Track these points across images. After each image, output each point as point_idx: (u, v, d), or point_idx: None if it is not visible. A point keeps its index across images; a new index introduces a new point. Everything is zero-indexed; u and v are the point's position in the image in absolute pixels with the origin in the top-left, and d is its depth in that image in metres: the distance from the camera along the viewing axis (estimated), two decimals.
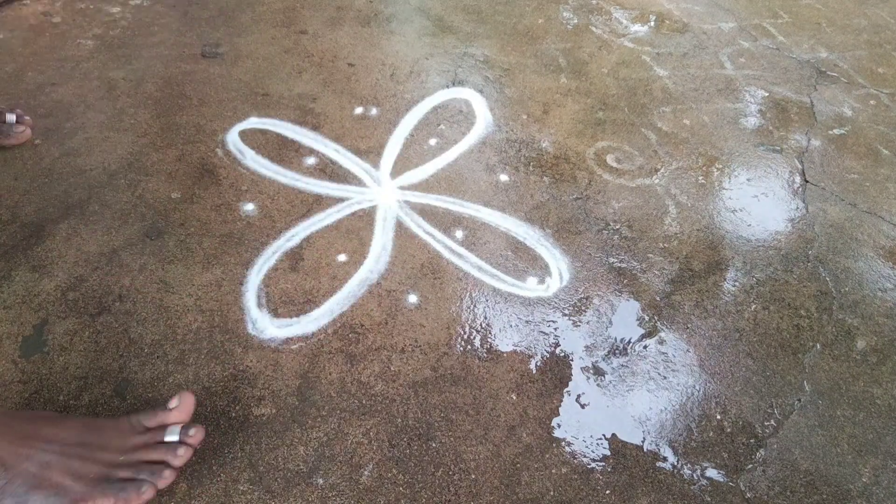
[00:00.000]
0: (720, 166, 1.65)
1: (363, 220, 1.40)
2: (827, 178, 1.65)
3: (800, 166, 1.68)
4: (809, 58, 2.13)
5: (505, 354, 1.18)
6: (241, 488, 0.97)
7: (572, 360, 1.19)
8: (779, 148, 1.73)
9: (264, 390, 1.09)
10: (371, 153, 1.57)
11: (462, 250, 1.35)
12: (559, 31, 2.13)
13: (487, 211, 1.45)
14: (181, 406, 0.93)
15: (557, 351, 1.20)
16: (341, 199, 1.44)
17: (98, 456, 0.85)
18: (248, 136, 1.58)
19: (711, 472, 1.06)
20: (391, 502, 0.98)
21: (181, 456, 0.89)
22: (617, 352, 1.21)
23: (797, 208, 1.56)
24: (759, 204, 1.56)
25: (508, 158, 1.59)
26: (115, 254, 1.25)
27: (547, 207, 1.47)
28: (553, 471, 1.03)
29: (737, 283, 1.36)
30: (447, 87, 1.81)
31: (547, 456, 1.05)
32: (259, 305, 1.21)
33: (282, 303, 1.22)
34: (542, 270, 1.34)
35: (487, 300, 1.27)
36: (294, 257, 1.30)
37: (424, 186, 1.50)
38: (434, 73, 1.86)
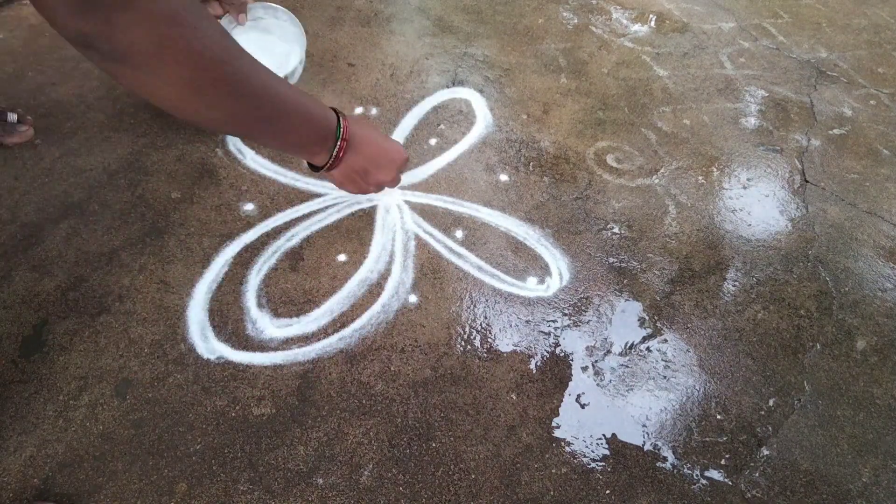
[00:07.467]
0: (720, 166, 1.65)
1: (363, 220, 1.39)
2: (827, 178, 1.65)
3: (800, 166, 1.68)
4: (809, 58, 2.13)
5: (505, 354, 1.18)
6: (241, 488, 0.97)
7: (572, 360, 1.19)
8: (779, 148, 1.73)
9: (264, 390, 1.09)
10: None
11: (462, 250, 1.35)
12: (559, 31, 2.12)
13: (487, 211, 1.45)
14: None
15: (557, 351, 1.20)
16: (341, 200, 1.43)
17: None
18: None
19: (711, 472, 1.06)
20: (391, 502, 0.98)
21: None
22: (617, 352, 1.21)
23: (797, 208, 1.56)
24: (759, 204, 1.56)
25: (508, 158, 1.59)
26: (115, 254, 1.25)
27: (547, 207, 1.47)
28: (553, 471, 1.03)
29: (737, 283, 1.36)
30: (447, 86, 1.81)
31: (547, 456, 1.05)
32: (259, 305, 1.21)
33: (282, 303, 1.22)
34: (542, 270, 1.34)
35: (487, 300, 1.27)
36: (294, 257, 1.30)
37: (424, 186, 1.49)
38: (434, 72, 1.86)
